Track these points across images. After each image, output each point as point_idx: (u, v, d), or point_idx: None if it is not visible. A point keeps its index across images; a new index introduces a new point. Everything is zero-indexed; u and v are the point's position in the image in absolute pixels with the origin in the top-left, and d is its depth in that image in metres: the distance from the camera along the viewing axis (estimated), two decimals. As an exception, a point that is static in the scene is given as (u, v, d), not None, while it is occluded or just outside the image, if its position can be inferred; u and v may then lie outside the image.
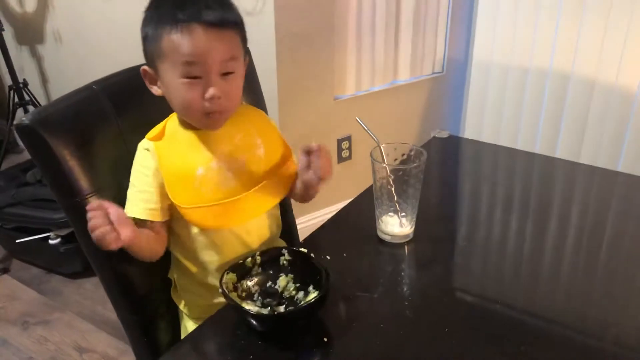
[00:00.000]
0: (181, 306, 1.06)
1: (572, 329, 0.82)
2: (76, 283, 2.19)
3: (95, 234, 0.79)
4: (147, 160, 0.94)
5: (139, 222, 0.92)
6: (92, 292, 2.14)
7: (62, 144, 0.92)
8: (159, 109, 1.02)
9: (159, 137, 0.95)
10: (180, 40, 0.85)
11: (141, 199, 0.93)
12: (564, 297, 0.88)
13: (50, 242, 2.15)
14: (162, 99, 0.95)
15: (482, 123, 2.50)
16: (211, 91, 0.87)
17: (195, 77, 0.87)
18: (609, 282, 0.92)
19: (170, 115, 0.98)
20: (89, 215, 0.80)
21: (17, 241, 2.19)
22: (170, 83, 0.90)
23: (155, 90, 0.95)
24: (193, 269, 1.01)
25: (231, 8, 0.90)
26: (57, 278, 2.23)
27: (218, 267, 1.00)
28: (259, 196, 0.97)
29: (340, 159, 2.37)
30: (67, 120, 0.95)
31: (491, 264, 0.98)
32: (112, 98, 1.01)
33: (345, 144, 2.36)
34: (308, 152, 0.94)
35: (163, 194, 0.93)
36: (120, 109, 1.02)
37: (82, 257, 2.15)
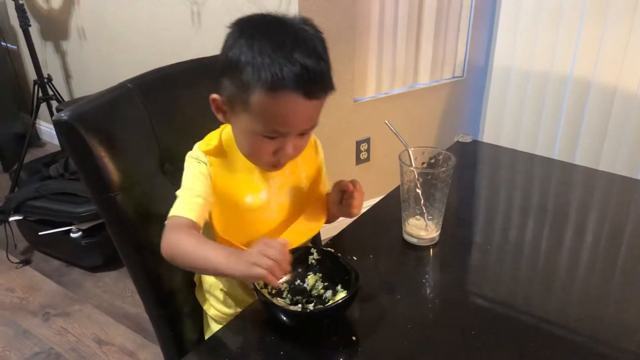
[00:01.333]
0: (205, 307, 1.08)
1: (596, 336, 0.83)
2: (96, 276, 2.23)
3: (267, 271, 0.75)
4: (206, 172, 0.91)
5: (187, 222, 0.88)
6: (111, 285, 2.18)
7: (98, 140, 0.94)
8: (192, 109, 1.05)
9: (215, 152, 0.92)
10: (274, 108, 0.81)
11: (198, 204, 0.89)
12: (589, 304, 0.89)
13: (72, 235, 2.18)
14: (195, 100, 0.96)
15: (501, 128, 2.51)
16: (285, 151, 0.87)
17: (274, 137, 0.86)
18: (631, 290, 0.92)
19: (223, 127, 0.96)
20: (276, 252, 0.76)
21: (39, 233, 2.23)
22: (244, 130, 0.87)
23: (221, 118, 0.91)
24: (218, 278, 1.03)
25: (327, 64, 0.83)
26: (77, 271, 2.27)
27: (241, 281, 1.01)
28: (297, 232, 0.98)
29: (359, 161, 2.39)
30: (103, 117, 0.97)
31: (517, 270, 0.98)
32: (147, 96, 1.03)
33: (363, 146, 2.37)
34: (343, 191, 0.97)
35: (211, 204, 0.92)
36: (153, 107, 1.04)
37: (102, 250, 2.20)
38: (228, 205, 0.93)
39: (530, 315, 0.87)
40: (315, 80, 0.80)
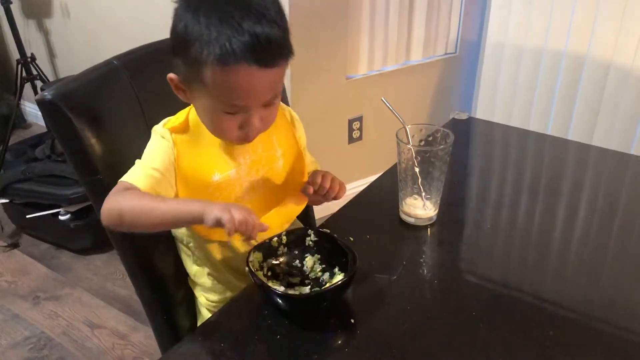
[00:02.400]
0: (196, 292, 1.06)
1: (594, 313, 0.82)
2: (86, 259, 2.20)
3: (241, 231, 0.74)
4: (170, 150, 0.88)
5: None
6: (101, 268, 2.15)
7: (83, 120, 0.91)
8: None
9: (181, 130, 0.89)
10: (228, 82, 0.77)
11: (153, 177, 0.85)
12: (590, 282, 0.88)
13: (60, 218, 2.15)
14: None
15: (494, 104, 2.48)
16: (251, 124, 0.83)
17: (236, 113, 0.82)
18: (637, 267, 0.91)
19: (192, 106, 0.91)
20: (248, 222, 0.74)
21: (27, 217, 2.19)
22: (205, 108, 0.85)
23: (182, 97, 0.88)
24: (203, 264, 1.00)
25: (281, 28, 0.78)
26: (67, 254, 2.23)
27: (226, 265, 0.98)
28: (278, 214, 0.96)
29: (351, 140, 2.36)
30: (88, 95, 0.94)
31: (516, 248, 0.97)
32: (133, 74, 0.99)
33: (356, 124, 2.34)
34: (314, 189, 0.94)
35: (171, 185, 0.88)
36: (141, 85, 1.00)
37: (91, 233, 2.17)
38: (195, 185, 0.89)
39: (530, 294, 0.85)
40: (268, 47, 0.76)
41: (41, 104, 0.89)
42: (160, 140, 0.88)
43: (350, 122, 2.32)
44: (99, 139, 0.92)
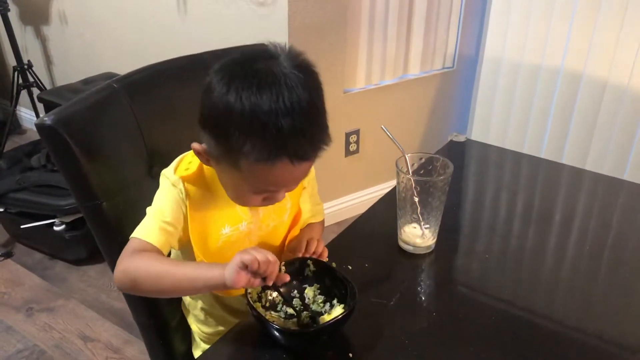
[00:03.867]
0: (189, 320, 1.06)
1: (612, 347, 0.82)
2: (80, 270, 2.19)
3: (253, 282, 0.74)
4: (181, 201, 0.84)
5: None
6: (96, 279, 2.14)
7: (83, 145, 0.90)
8: (182, 110, 1.01)
9: (194, 180, 0.85)
10: (265, 175, 0.75)
11: (166, 231, 0.83)
12: (595, 311, 0.88)
13: (55, 228, 2.13)
14: (186, 101, 0.93)
15: (490, 120, 2.49)
16: (275, 199, 0.82)
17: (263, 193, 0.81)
18: (627, 291, 0.92)
19: None
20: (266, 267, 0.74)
21: (21, 227, 2.18)
22: (232, 184, 0.82)
23: (205, 163, 0.83)
24: (196, 297, 1.00)
25: (324, 117, 0.77)
26: (61, 264, 2.22)
27: (220, 302, 0.98)
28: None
29: (348, 153, 2.36)
30: (88, 120, 0.93)
31: (517, 277, 0.96)
32: (133, 97, 0.99)
33: (353, 138, 2.34)
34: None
35: (185, 230, 0.86)
36: (141, 109, 1.00)
37: (86, 244, 2.16)
38: (206, 238, 0.87)
39: (534, 326, 0.85)
40: (311, 145, 0.74)
41: (40, 129, 0.89)
42: (171, 189, 0.84)
43: (347, 135, 2.33)
44: (98, 164, 0.92)
